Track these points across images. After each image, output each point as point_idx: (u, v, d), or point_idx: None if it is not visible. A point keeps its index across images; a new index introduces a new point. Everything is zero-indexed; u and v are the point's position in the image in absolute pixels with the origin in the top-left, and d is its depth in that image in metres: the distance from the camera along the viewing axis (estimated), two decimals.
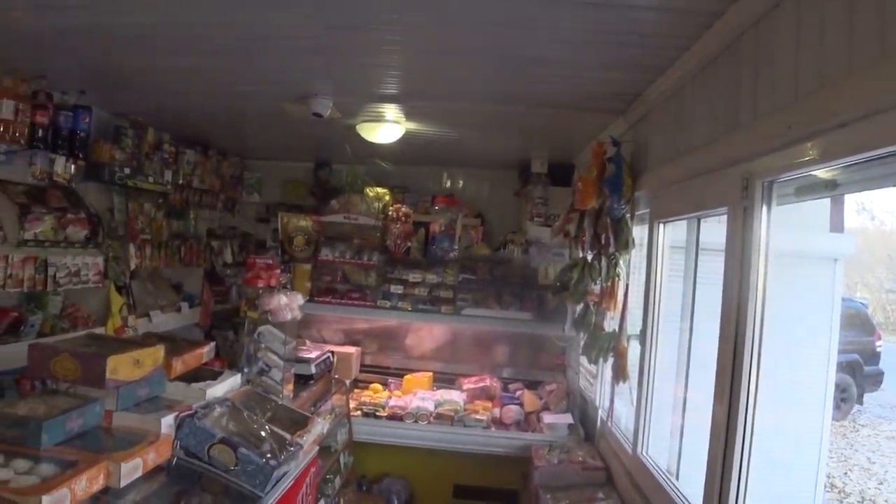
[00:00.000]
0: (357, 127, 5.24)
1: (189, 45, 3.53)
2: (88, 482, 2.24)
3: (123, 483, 2.40)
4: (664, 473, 3.34)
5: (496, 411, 5.62)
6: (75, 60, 3.97)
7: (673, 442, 3.38)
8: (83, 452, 2.39)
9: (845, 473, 8.91)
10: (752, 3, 2.42)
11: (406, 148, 5.81)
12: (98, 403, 2.68)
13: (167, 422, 2.78)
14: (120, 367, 2.71)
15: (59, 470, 2.25)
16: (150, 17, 3.12)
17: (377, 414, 5.55)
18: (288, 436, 3.24)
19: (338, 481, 4.82)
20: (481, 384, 6.05)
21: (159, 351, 3.01)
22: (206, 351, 3.58)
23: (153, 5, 2.98)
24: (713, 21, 2.68)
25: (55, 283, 4.40)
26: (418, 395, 5.80)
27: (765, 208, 2.42)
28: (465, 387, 6.06)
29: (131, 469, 2.44)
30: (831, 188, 2.17)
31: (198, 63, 3.88)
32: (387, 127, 5.18)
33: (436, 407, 5.54)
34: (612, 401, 4.23)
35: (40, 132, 4.17)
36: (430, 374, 6.27)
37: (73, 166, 4.46)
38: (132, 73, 4.20)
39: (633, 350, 3.81)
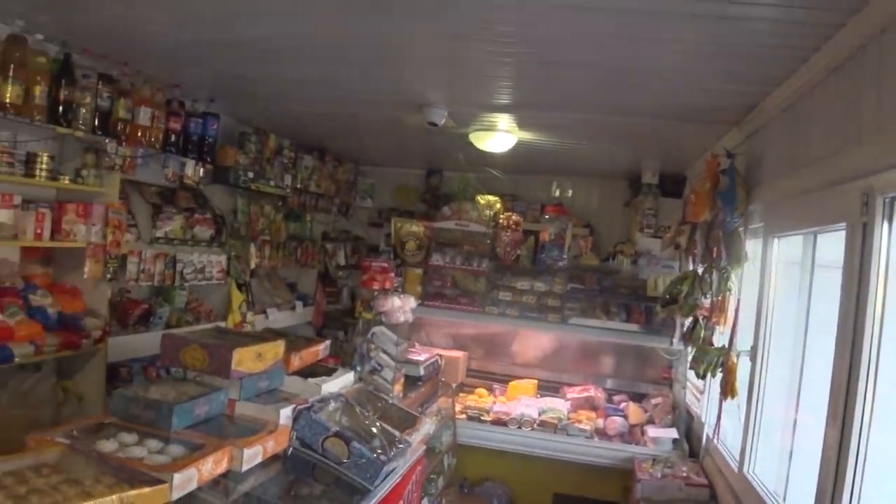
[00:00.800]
0: (469, 136, 5.34)
1: (313, 56, 3.71)
2: (214, 464, 2.40)
3: (245, 468, 2.56)
4: (771, 495, 3.25)
5: (600, 422, 5.58)
6: (207, 71, 4.25)
7: (781, 463, 3.29)
8: (209, 437, 2.56)
9: None
10: (875, 14, 2.35)
11: (517, 156, 5.87)
12: (223, 392, 2.87)
13: (285, 413, 2.93)
14: (244, 359, 2.89)
15: (187, 451, 2.42)
16: (278, 29, 3.32)
17: (481, 418, 5.62)
18: (398, 433, 3.35)
19: (441, 481, 4.92)
20: (585, 394, 6.03)
21: (280, 346, 3.19)
22: (322, 348, 3.75)
23: (281, 19, 3.16)
24: (834, 32, 2.61)
25: (182, 279, 4.72)
26: (522, 402, 5.83)
27: (885, 225, 2.33)
28: (569, 396, 6.05)
29: (252, 455, 2.59)
30: None
31: (320, 73, 4.07)
32: (499, 136, 5.26)
33: (539, 414, 5.55)
34: (718, 417, 4.14)
35: (173, 137, 4.49)
36: (535, 381, 6.29)
37: (201, 169, 4.77)
38: (258, 83, 4.45)
39: (743, 367, 3.73)
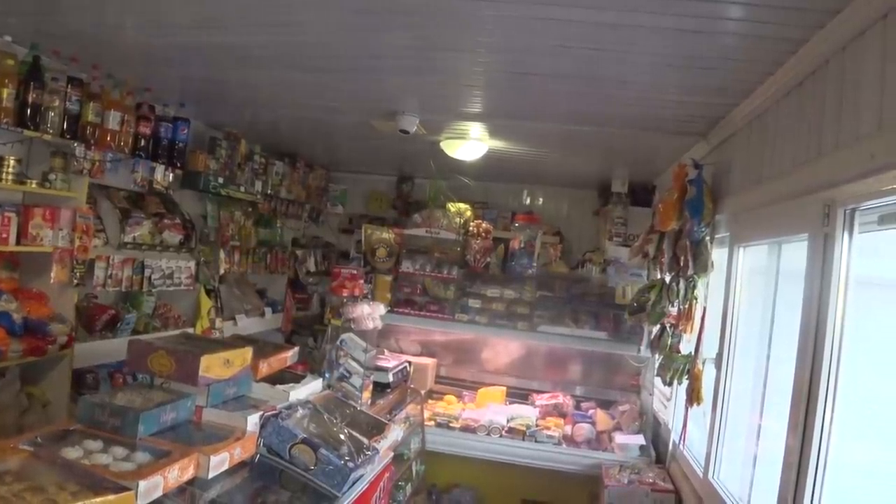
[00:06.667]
0: (441, 143, 5.36)
1: (287, 62, 3.71)
2: (180, 472, 2.39)
3: (211, 475, 2.55)
4: (735, 500, 3.30)
5: (568, 428, 5.62)
6: (179, 75, 4.22)
7: (745, 468, 3.34)
8: (175, 444, 2.55)
9: None
10: (837, 30, 2.41)
11: (488, 164, 5.91)
12: (190, 399, 2.85)
13: (253, 420, 2.92)
14: (212, 366, 2.88)
15: (153, 458, 2.40)
16: (254, 37, 3.31)
17: (450, 425, 5.62)
18: (365, 440, 3.34)
19: (409, 488, 4.92)
20: (554, 401, 6.06)
21: (248, 352, 3.17)
22: (290, 355, 3.73)
23: (257, 27, 3.16)
24: (798, 47, 2.67)
25: (150, 284, 4.66)
26: (491, 409, 5.85)
27: (846, 236, 2.39)
28: (537, 403, 6.08)
29: (219, 462, 2.58)
30: None
31: (293, 79, 4.06)
32: (470, 144, 5.29)
33: (508, 421, 5.57)
34: (684, 424, 4.19)
35: (143, 142, 4.43)
36: (504, 388, 6.32)
37: (171, 174, 4.72)
38: (230, 88, 4.43)
39: (709, 374, 3.78)
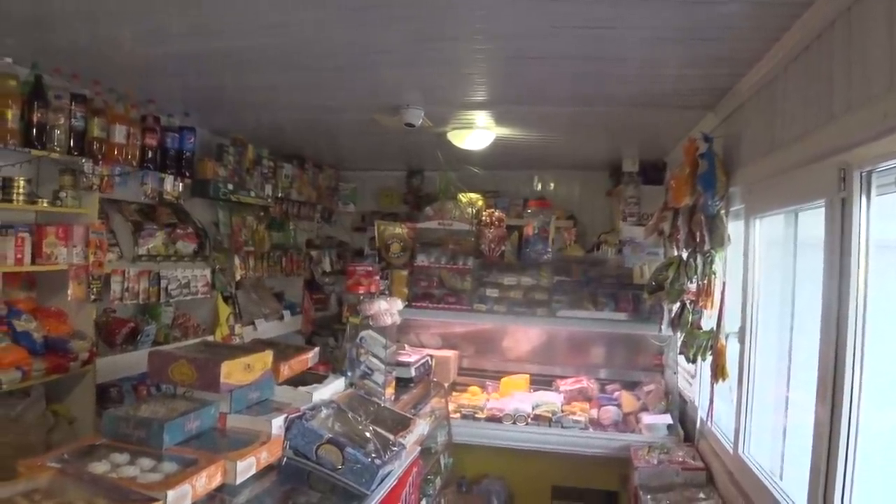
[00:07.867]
0: (448, 134, 5.33)
1: (285, 63, 3.70)
2: (208, 479, 2.38)
3: (239, 480, 2.54)
4: (767, 474, 3.27)
5: (594, 412, 5.59)
6: (179, 84, 4.22)
7: (775, 442, 3.30)
8: (201, 452, 2.54)
9: None
10: None
11: (497, 152, 5.88)
12: (213, 406, 2.84)
13: (277, 423, 2.90)
14: (233, 371, 2.87)
15: (180, 468, 2.39)
16: (250, 40, 3.30)
17: (476, 416, 5.61)
18: (391, 436, 3.33)
19: (439, 481, 4.91)
20: (578, 385, 6.03)
21: (268, 356, 3.16)
22: (311, 356, 3.73)
23: (251, 31, 3.15)
24: (802, 11, 2.63)
25: (167, 295, 4.68)
26: (516, 397, 5.83)
27: (864, 199, 2.35)
28: (561, 388, 6.05)
29: (246, 467, 2.57)
30: None
31: (294, 80, 4.05)
32: (477, 133, 5.26)
33: (533, 408, 5.55)
34: (711, 400, 4.15)
35: (150, 153, 4.45)
36: (527, 376, 6.28)
37: (180, 184, 4.74)
38: (232, 93, 4.43)
39: (732, 348, 3.74)
